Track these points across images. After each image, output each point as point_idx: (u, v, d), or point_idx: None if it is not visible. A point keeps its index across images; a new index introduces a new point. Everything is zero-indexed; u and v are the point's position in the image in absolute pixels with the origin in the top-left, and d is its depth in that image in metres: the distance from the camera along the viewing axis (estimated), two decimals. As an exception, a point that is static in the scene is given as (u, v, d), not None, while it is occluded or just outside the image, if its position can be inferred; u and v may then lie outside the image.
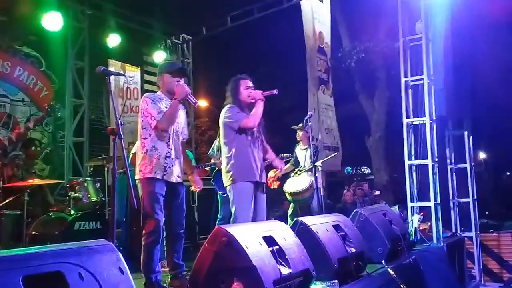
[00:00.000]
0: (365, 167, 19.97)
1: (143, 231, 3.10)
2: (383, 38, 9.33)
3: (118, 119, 2.58)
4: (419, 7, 5.09)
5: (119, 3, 6.87)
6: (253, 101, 3.61)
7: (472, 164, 6.51)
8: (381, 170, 11.02)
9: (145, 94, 3.31)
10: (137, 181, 3.17)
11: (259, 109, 3.56)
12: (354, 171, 20.83)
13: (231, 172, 3.49)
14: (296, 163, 5.62)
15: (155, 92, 3.47)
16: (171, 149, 3.21)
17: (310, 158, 4.70)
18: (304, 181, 5.27)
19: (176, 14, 7.33)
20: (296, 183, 5.34)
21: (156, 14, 7.23)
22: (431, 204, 5.20)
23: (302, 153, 5.59)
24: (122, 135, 2.52)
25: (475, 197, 6.50)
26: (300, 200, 5.29)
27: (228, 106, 3.60)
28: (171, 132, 3.23)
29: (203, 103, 14.14)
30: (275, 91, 3.60)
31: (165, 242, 3.28)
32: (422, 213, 5.42)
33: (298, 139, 5.68)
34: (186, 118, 3.52)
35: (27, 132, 4.65)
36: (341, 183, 13.33)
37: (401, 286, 3.22)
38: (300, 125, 5.56)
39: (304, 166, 5.47)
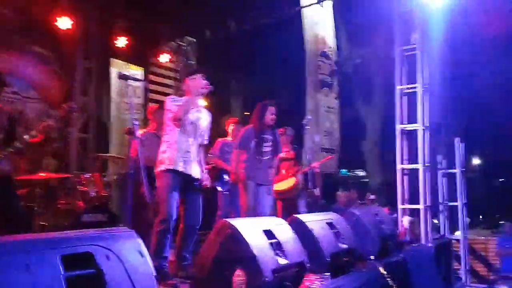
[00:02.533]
0: (360, 170, 20.23)
1: (157, 219, 3.31)
2: (380, 45, 9.58)
3: (134, 119, 2.83)
4: (414, 18, 5.36)
5: (127, 6, 7.12)
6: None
7: (463, 169, 6.77)
8: (376, 173, 11.28)
9: (170, 95, 3.62)
10: (155, 174, 3.38)
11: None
12: (349, 173, 21.04)
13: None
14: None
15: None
16: (191, 146, 3.45)
17: (294, 159, 5.06)
18: (290, 180, 5.58)
19: (181, 18, 7.59)
20: (283, 182, 5.65)
21: (162, 17, 7.48)
22: (421, 206, 5.47)
23: (284, 155, 5.86)
24: (137, 135, 2.77)
25: (464, 201, 6.77)
26: (287, 198, 5.59)
27: None
28: (191, 132, 3.48)
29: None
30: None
31: (178, 233, 3.49)
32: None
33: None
34: (209, 124, 3.72)
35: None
36: (336, 185, 13.58)
37: (388, 281, 3.48)
38: (282, 129, 5.82)
39: (288, 167, 5.75)
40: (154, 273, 1.98)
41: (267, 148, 4.48)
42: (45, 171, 5.21)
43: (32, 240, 1.75)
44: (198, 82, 3.53)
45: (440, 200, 6.69)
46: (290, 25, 8.41)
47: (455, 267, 6.60)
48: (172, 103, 3.44)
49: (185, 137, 3.45)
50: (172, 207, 3.31)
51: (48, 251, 1.70)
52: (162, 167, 3.37)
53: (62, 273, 1.65)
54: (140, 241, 2.02)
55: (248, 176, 4.36)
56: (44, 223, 4.66)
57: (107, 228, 2.06)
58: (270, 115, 4.45)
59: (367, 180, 13.11)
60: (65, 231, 2.01)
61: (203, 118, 3.63)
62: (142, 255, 1.98)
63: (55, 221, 4.68)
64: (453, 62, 6.33)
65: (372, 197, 9.78)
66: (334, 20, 9.23)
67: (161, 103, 4.10)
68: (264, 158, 4.44)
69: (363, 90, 11.29)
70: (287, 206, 5.72)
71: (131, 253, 1.94)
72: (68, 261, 1.72)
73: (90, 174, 5.27)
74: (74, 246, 1.80)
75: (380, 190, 11.13)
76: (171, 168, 3.35)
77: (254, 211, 4.25)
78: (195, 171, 3.48)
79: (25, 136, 3.39)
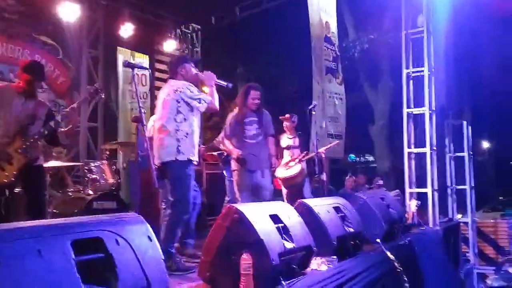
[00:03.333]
0: (369, 155, 20.18)
1: (173, 210, 3.34)
2: (387, 29, 9.50)
3: (141, 108, 2.87)
4: (421, 1, 5.30)
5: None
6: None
7: (471, 153, 6.76)
8: (384, 157, 11.28)
9: (183, 83, 3.49)
10: (170, 163, 3.36)
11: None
12: (358, 159, 21.00)
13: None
14: (281, 152, 5.91)
15: (165, 79, 3.81)
16: (197, 135, 3.53)
17: (300, 145, 5.05)
18: (296, 167, 5.57)
19: (186, 5, 7.57)
20: (288, 169, 5.66)
21: (167, 4, 7.48)
22: (428, 190, 5.49)
23: (289, 141, 5.85)
24: (144, 123, 2.81)
25: (473, 184, 6.77)
26: (292, 185, 5.60)
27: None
28: (199, 120, 3.55)
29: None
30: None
31: None
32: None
33: (284, 129, 5.94)
34: None
35: None
36: (345, 170, 13.59)
37: (395, 263, 3.51)
38: (287, 115, 5.82)
39: (297, 154, 5.74)
40: (163, 257, 2.03)
41: (252, 131, 4.44)
42: (55, 159, 5.29)
43: (44, 226, 1.80)
44: (208, 74, 3.62)
45: (449, 183, 6.70)
46: (296, 10, 8.35)
47: (464, 250, 6.65)
48: (198, 94, 3.46)
49: (197, 126, 3.52)
50: (191, 196, 3.40)
51: (59, 236, 1.75)
52: (180, 157, 3.36)
53: (73, 257, 1.70)
54: (148, 226, 2.07)
55: (239, 164, 4.35)
56: (55, 211, 4.74)
57: (116, 214, 2.11)
58: (251, 100, 4.43)
59: (375, 165, 13.11)
60: (75, 217, 2.06)
61: None
62: (150, 239, 2.03)
63: (66, 209, 4.75)
64: (460, 45, 6.27)
65: (380, 182, 9.77)
66: (341, 5, 9.14)
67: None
68: (252, 141, 4.41)
69: (371, 75, 11.23)
70: (292, 192, 5.74)
71: (140, 237, 1.99)
72: (79, 246, 1.77)
73: (100, 162, 5.32)
74: (84, 231, 1.85)
75: (388, 175, 11.14)
76: (189, 159, 3.39)
77: (250, 198, 4.26)
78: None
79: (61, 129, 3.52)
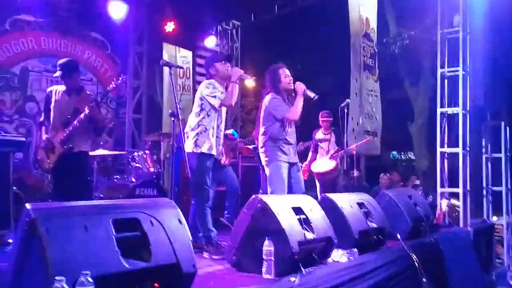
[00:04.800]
0: (411, 153, 19.80)
1: (194, 199, 3.64)
2: (429, 25, 9.34)
3: (177, 104, 3.14)
4: (458, 0, 5.27)
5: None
6: (290, 86, 3.97)
7: (508, 154, 6.62)
8: (422, 156, 11.12)
9: (206, 82, 3.78)
10: (189, 155, 3.61)
11: (299, 103, 3.90)
12: (400, 156, 20.67)
13: (266, 153, 3.98)
14: (315, 148, 6.05)
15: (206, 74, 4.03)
16: (220, 131, 3.77)
17: (335, 142, 5.17)
18: (331, 163, 5.72)
19: (226, 2, 7.83)
20: (323, 164, 5.82)
21: (208, 1, 7.76)
22: (460, 190, 5.48)
23: (325, 137, 6.00)
24: (180, 118, 3.08)
25: (509, 186, 6.64)
26: (326, 180, 5.76)
27: (272, 95, 3.99)
28: (220, 117, 3.77)
29: (249, 82, 14.72)
30: (316, 96, 3.92)
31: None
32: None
33: (321, 125, 6.10)
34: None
35: None
36: (383, 167, 13.48)
37: (415, 259, 3.61)
38: (324, 112, 5.97)
39: (332, 149, 5.90)
40: (191, 238, 2.28)
41: None
42: (102, 148, 5.72)
43: (89, 206, 2.10)
44: (226, 67, 3.78)
45: (484, 184, 6.61)
46: (334, 6, 8.40)
47: (499, 252, 6.55)
48: (213, 91, 3.67)
49: (217, 123, 3.74)
50: (210, 186, 3.64)
51: (102, 215, 2.04)
52: (197, 150, 3.63)
53: (114, 234, 1.98)
54: (178, 210, 2.33)
55: (277, 157, 3.93)
56: (101, 195, 5.16)
57: (151, 199, 2.39)
58: (284, 78, 3.99)
59: (414, 164, 12.92)
60: (116, 200, 2.36)
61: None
62: (180, 222, 2.29)
63: (111, 194, 5.16)
64: (499, 44, 6.15)
65: (417, 182, 9.66)
66: (383, 1, 9.08)
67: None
68: (291, 129, 4.06)
69: (412, 71, 11.07)
70: (326, 186, 5.91)
71: (171, 220, 2.25)
72: (119, 225, 2.04)
73: (142, 152, 5.71)
74: (123, 212, 2.13)
75: (426, 174, 10.99)
76: (206, 152, 3.63)
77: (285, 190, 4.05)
78: (220, 151, 3.79)
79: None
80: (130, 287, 1.98)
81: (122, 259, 1.93)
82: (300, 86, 3.95)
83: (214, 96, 3.67)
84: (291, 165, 4.04)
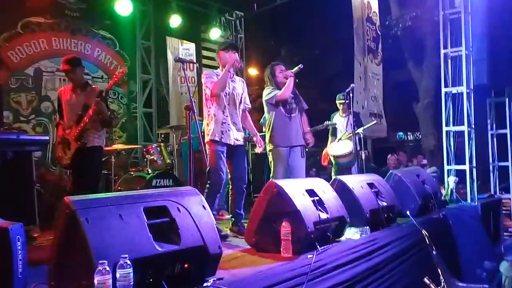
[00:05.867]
0: (418, 133, 19.84)
1: (208, 181, 3.81)
2: (432, 6, 9.38)
3: (191, 97, 3.31)
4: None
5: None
6: (286, 79, 4.38)
7: (514, 129, 6.75)
8: (429, 135, 11.20)
9: (204, 71, 4.05)
10: (206, 143, 3.88)
11: (290, 83, 4.32)
12: (406, 137, 20.73)
13: (270, 139, 4.37)
14: (334, 131, 6.17)
15: (212, 66, 4.23)
16: (227, 116, 3.88)
17: (351, 124, 5.29)
18: (348, 146, 5.83)
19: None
20: (340, 147, 5.92)
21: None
22: (466, 167, 5.63)
23: (342, 120, 6.12)
24: (195, 111, 3.25)
25: (516, 161, 6.78)
26: (342, 163, 5.88)
27: (267, 89, 4.46)
28: (226, 102, 3.91)
29: (254, 71, 14.84)
30: (300, 66, 4.35)
31: (230, 194, 4.02)
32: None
33: (338, 107, 6.22)
34: (244, 89, 4.14)
35: None
36: (391, 148, 13.60)
37: (425, 233, 3.78)
38: (340, 95, 6.09)
39: (346, 131, 6.01)
40: (215, 222, 2.47)
41: (292, 105, 4.44)
42: (116, 143, 5.92)
43: (123, 196, 2.28)
44: (231, 55, 3.92)
45: (490, 160, 6.75)
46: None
47: (507, 225, 6.71)
48: (207, 80, 3.86)
49: (221, 109, 3.88)
50: (221, 170, 3.79)
51: (134, 204, 2.22)
52: (206, 138, 3.86)
53: (146, 221, 2.16)
54: (202, 197, 2.52)
55: (278, 143, 4.34)
56: (120, 188, 5.36)
57: (176, 187, 2.57)
58: (279, 72, 4.46)
59: (421, 143, 13.01)
60: (145, 190, 2.53)
61: (238, 86, 4.04)
62: (204, 208, 2.47)
63: (129, 187, 5.35)
64: (500, 23, 6.22)
65: (424, 161, 9.78)
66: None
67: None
68: (292, 115, 4.40)
69: (415, 52, 11.11)
70: (342, 169, 6.03)
71: (196, 206, 2.44)
72: (149, 212, 2.22)
73: (156, 145, 5.91)
74: (153, 201, 2.31)
75: (433, 153, 11.10)
76: (213, 139, 3.82)
77: (285, 175, 4.34)
78: (234, 137, 3.88)
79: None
80: (163, 268, 2.17)
81: (155, 243, 2.11)
82: (289, 72, 4.41)
83: (207, 86, 3.86)
84: (292, 149, 4.35)
